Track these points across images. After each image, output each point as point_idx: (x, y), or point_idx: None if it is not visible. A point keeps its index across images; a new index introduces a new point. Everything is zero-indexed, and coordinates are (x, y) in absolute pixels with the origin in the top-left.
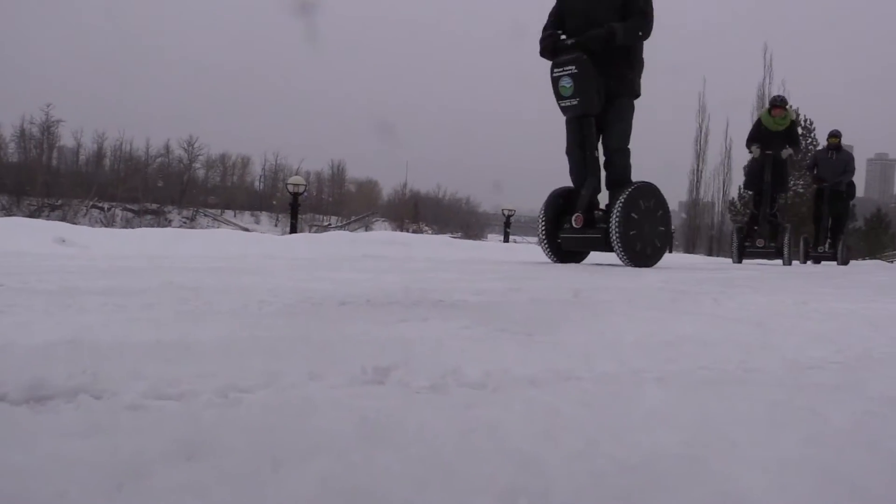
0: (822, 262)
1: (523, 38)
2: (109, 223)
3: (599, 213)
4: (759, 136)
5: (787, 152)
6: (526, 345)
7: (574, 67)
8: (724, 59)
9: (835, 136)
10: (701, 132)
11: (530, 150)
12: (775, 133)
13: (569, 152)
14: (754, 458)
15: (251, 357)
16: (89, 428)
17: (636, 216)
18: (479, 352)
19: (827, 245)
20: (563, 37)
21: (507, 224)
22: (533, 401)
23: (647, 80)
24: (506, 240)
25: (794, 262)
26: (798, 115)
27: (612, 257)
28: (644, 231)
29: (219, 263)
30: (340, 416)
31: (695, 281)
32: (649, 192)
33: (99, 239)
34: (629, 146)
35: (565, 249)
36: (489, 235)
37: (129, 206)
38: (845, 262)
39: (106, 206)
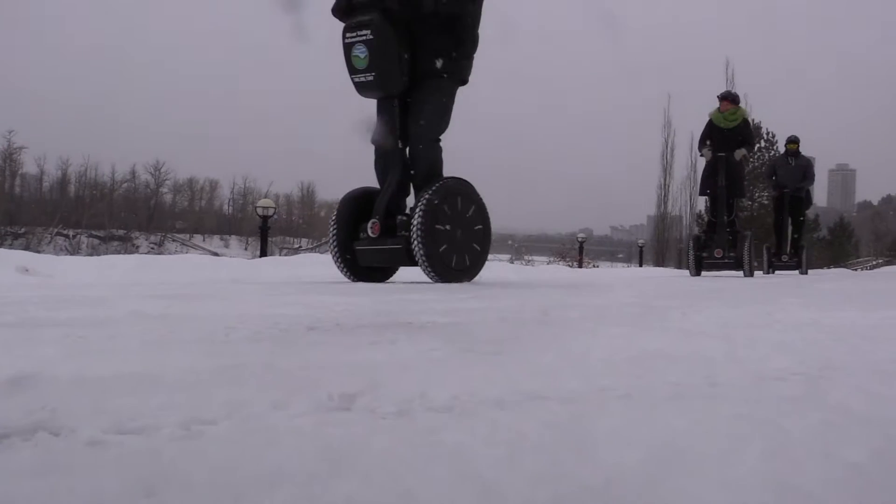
0: (786, 272)
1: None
2: (75, 251)
3: (402, 220)
4: (710, 136)
5: (740, 153)
6: (494, 365)
7: (369, 32)
8: (689, 75)
9: (793, 141)
10: (667, 146)
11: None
12: (727, 133)
13: (374, 141)
14: (714, 474)
15: (215, 387)
16: (46, 467)
17: (444, 221)
18: (447, 374)
19: (790, 254)
20: None
21: None
22: (498, 423)
23: (614, 97)
24: None
25: (758, 273)
26: (751, 112)
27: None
28: (455, 238)
29: (186, 290)
30: (303, 446)
31: (666, 295)
32: (459, 191)
33: (63, 267)
34: (441, 138)
35: (362, 265)
36: None
37: (94, 232)
38: (806, 271)
39: (71, 233)
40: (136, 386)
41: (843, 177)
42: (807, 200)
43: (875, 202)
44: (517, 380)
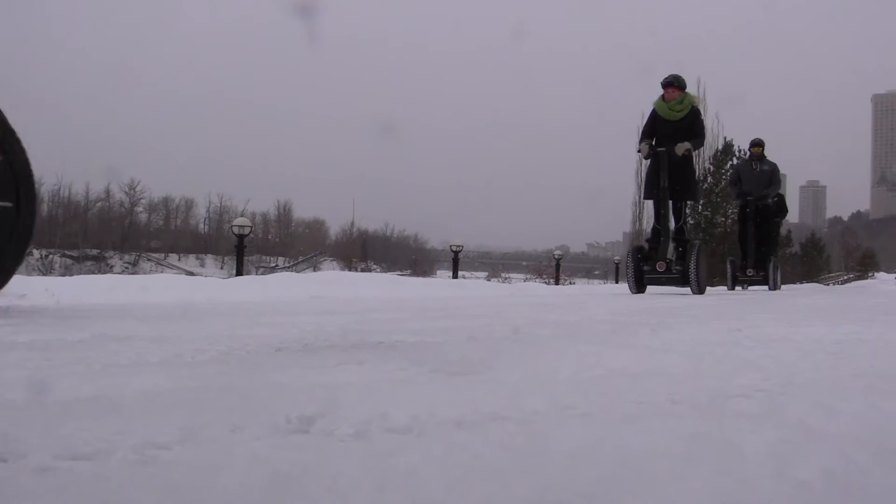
0: (752, 288)
1: (451, 85)
2: (47, 271)
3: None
4: (653, 130)
5: (683, 147)
6: (458, 386)
7: None
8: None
9: (757, 144)
10: (641, 164)
11: (477, 185)
12: (674, 125)
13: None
14: (666, 493)
15: (174, 410)
16: None
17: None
18: (410, 395)
19: (754, 268)
20: None
21: (456, 260)
22: (455, 445)
23: (592, 114)
24: (455, 276)
25: (719, 289)
26: (704, 101)
27: None
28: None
29: (156, 311)
30: (255, 471)
31: (637, 311)
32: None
33: (33, 288)
34: None
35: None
36: (438, 272)
37: (67, 252)
38: (777, 287)
39: (43, 252)
40: (94, 410)
41: (814, 193)
42: (781, 209)
43: (845, 218)
44: (480, 400)
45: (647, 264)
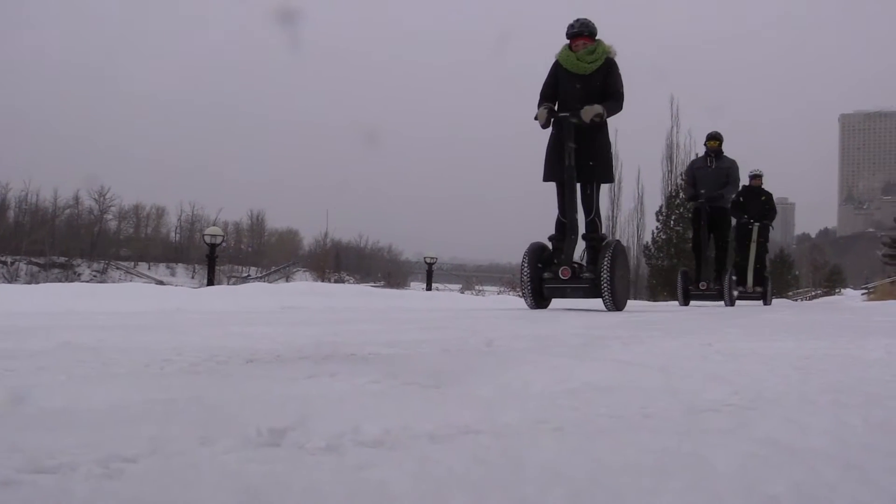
0: (707, 303)
1: (432, 93)
2: (12, 278)
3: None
4: (555, 91)
5: (593, 110)
6: (432, 398)
7: None
8: (633, 112)
9: (714, 138)
10: (614, 179)
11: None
12: (583, 81)
13: None
14: None
15: (142, 422)
16: None
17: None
18: (382, 407)
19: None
20: None
21: (430, 272)
22: (427, 458)
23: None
24: (428, 287)
25: (675, 303)
26: (674, 116)
27: None
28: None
29: (126, 320)
30: (223, 485)
31: (610, 325)
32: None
33: None
34: None
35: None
36: (412, 283)
37: (34, 259)
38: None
39: (9, 259)
40: (59, 421)
41: (783, 210)
42: (769, 211)
43: (813, 235)
44: (453, 413)
45: (548, 270)
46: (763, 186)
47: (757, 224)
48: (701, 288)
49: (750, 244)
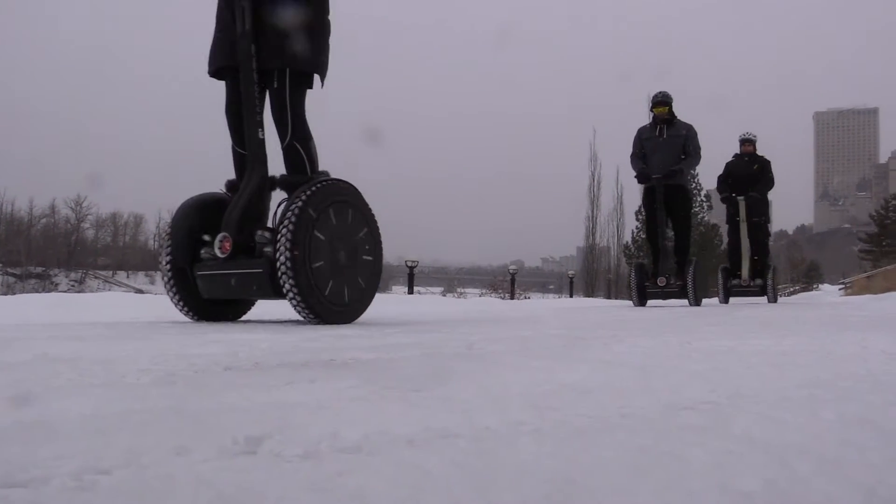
0: (668, 303)
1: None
2: None
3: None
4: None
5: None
6: (411, 402)
7: None
8: (613, 109)
9: (663, 103)
10: (594, 179)
11: (433, 200)
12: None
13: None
14: None
15: (117, 433)
16: None
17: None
18: (361, 413)
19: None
20: None
21: (411, 275)
22: (405, 463)
23: (543, 131)
24: (410, 291)
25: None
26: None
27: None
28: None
29: (104, 330)
30: (198, 495)
31: (590, 325)
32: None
33: None
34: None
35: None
36: (393, 287)
37: (10, 270)
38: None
39: None
40: (33, 434)
41: None
42: (766, 182)
43: (790, 231)
44: (432, 417)
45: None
46: (758, 154)
47: (742, 198)
48: (660, 284)
49: (740, 225)
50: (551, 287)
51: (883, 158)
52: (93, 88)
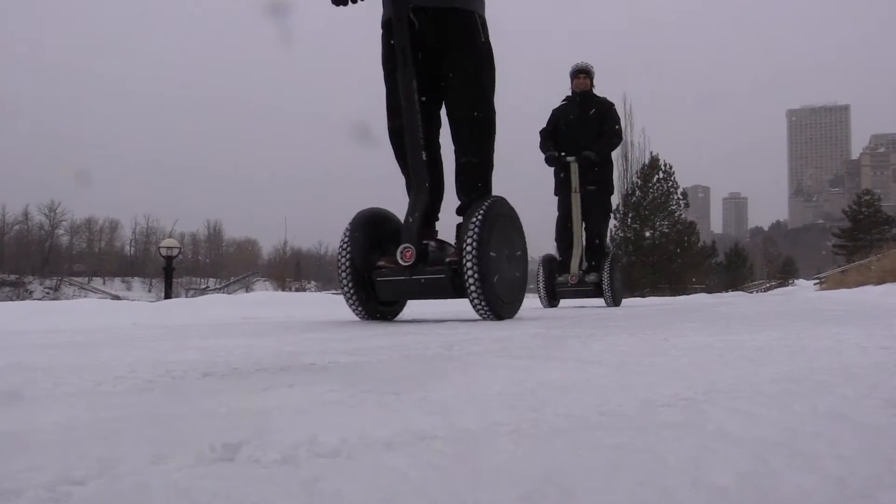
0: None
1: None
2: None
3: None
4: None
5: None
6: (390, 405)
7: None
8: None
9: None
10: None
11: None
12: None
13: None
14: None
15: (92, 443)
16: None
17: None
18: (340, 417)
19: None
20: None
21: None
22: (383, 466)
23: (520, 135)
24: None
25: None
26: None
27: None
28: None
29: (79, 337)
30: (174, 503)
31: (569, 324)
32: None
33: None
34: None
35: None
36: None
37: None
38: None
39: None
40: (5, 445)
41: (736, 205)
42: (591, 172)
43: (766, 228)
44: (411, 419)
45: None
46: (596, 94)
47: (573, 159)
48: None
49: (572, 196)
50: (530, 287)
51: (855, 154)
52: (65, 93)
